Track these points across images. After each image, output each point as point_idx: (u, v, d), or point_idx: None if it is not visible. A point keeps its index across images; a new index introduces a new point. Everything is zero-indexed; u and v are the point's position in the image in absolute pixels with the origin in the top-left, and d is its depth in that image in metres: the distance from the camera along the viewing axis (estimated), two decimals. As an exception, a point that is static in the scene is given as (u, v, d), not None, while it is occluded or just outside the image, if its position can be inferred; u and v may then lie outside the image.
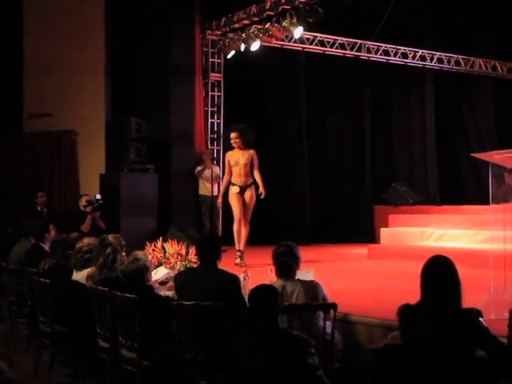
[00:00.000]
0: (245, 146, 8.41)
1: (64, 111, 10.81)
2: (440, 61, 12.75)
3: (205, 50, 11.46)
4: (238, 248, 8.45)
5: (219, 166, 11.21)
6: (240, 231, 8.44)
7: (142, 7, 10.92)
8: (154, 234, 8.57)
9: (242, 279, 5.01)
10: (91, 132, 10.98)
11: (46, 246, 6.65)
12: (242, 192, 8.40)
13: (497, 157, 5.12)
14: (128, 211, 9.64)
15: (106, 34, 11.01)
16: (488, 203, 5.25)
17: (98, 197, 9.35)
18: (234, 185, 8.42)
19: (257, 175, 8.38)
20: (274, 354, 3.36)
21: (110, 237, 5.37)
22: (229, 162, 8.47)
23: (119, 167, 9.99)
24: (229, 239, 10.31)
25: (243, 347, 3.52)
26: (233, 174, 8.42)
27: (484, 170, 5.25)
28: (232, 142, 8.46)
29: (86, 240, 5.56)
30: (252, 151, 8.43)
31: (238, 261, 8.28)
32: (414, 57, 12.50)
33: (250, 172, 8.40)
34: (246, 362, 3.46)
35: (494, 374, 3.25)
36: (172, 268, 6.27)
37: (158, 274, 6.05)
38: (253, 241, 10.87)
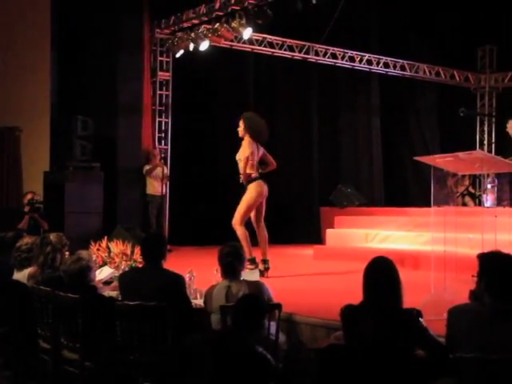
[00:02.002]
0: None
1: (7, 107, 10.54)
2: (386, 65, 12.97)
3: (153, 48, 11.37)
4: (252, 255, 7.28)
5: (167, 166, 11.16)
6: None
7: (90, 3, 10.76)
8: (99, 233, 8.46)
9: (187, 279, 5.00)
10: (36, 129, 10.76)
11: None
12: None
13: (439, 160, 5.23)
14: (73, 210, 9.49)
15: (52, 30, 10.81)
16: (430, 205, 5.35)
17: (38, 198, 9.22)
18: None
19: None
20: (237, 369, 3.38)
21: (52, 236, 5.28)
22: None
23: (64, 165, 9.83)
24: (175, 239, 10.30)
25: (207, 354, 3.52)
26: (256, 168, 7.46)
27: (427, 172, 5.35)
28: None
29: (26, 239, 5.45)
30: None
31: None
32: (360, 61, 12.68)
33: None
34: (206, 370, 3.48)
35: (432, 373, 3.33)
36: (117, 268, 6.20)
37: (103, 273, 5.98)
38: (199, 241, 10.88)
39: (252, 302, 3.71)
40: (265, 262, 7.39)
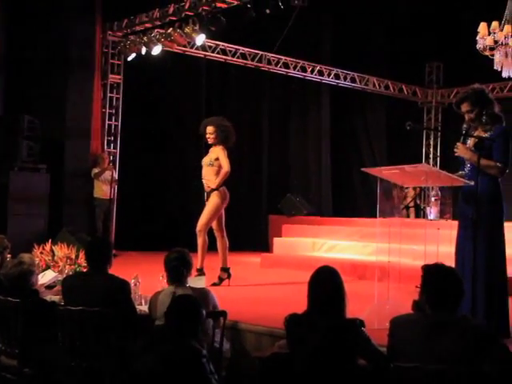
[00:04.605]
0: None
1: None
2: (337, 76, 13.13)
3: (105, 50, 11.24)
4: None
5: (116, 169, 11.03)
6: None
7: (40, 2, 10.57)
8: (43, 236, 8.30)
9: (132, 285, 4.94)
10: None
11: None
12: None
13: (385, 172, 5.30)
14: (16, 211, 9.31)
15: (0, 27, 10.57)
16: (376, 216, 5.43)
17: None
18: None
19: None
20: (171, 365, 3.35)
21: (-8, 238, 5.16)
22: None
23: (9, 165, 9.62)
24: (122, 244, 10.18)
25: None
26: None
27: (375, 184, 5.42)
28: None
29: (-35, 241, 5.32)
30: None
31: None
32: (312, 71, 12.82)
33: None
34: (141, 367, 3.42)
35: (373, 382, 3.37)
36: (60, 272, 6.09)
37: (45, 277, 5.87)
38: (145, 247, 10.77)
39: (185, 303, 3.66)
40: (225, 270, 7.40)
